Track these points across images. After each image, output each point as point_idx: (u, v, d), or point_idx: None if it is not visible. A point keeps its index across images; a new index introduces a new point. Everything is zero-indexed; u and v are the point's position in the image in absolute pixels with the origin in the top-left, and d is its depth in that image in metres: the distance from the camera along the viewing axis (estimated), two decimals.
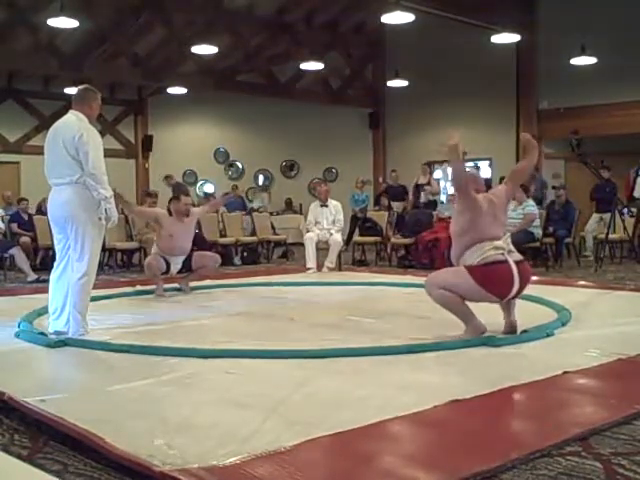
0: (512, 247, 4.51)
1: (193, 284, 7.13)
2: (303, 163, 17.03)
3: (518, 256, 4.51)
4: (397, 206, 12.45)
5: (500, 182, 14.14)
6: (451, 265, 9.54)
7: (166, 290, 6.79)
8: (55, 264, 4.82)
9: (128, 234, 10.53)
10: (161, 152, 15.75)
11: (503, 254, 4.37)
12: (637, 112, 12.24)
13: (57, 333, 4.64)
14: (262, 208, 14.56)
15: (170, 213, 6.84)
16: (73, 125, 4.64)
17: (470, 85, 14.04)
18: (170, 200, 7.08)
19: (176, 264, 6.84)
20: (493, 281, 4.32)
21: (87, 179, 4.55)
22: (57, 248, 4.81)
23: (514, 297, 4.50)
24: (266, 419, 2.84)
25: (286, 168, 17.18)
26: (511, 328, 4.56)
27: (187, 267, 6.97)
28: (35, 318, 5.21)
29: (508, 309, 4.61)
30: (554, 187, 11.49)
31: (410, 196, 12.59)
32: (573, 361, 3.77)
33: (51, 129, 4.81)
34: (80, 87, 4.90)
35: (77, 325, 4.66)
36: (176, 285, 7.04)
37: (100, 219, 4.64)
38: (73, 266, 4.65)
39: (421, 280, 7.72)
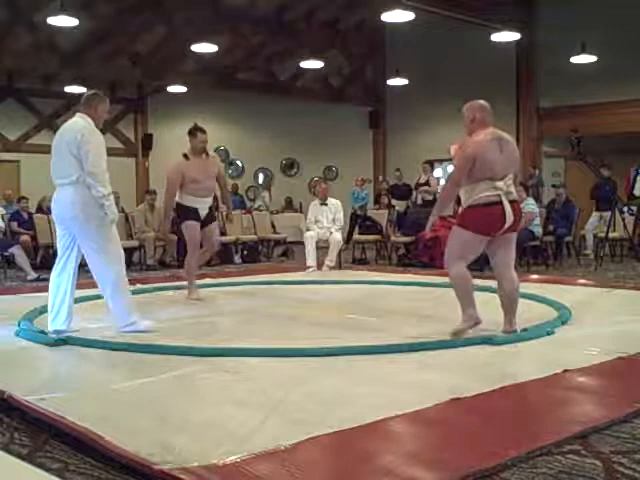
0: (512, 189, 4.55)
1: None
2: (303, 162, 17.03)
3: (513, 195, 4.56)
4: (400, 205, 12.46)
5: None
6: None
7: (166, 289, 6.74)
8: (56, 262, 4.84)
9: (128, 233, 10.54)
10: (161, 150, 15.71)
11: (499, 195, 4.43)
12: (637, 110, 12.23)
13: (56, 332, 4.64)
14: (262, 207, 14.56)
15: (186, 157, 6.45)
16: (77, 126, 4.73)
17: (470, 83, 14.00)
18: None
19: (203, 209, 6.44)
20: (483, 221, 4.44)
21: (87, 177, 4.60)
22: (59, 246, 4.85)
23: (508, 230, 4.53)
24: (266, 418, 2.84)
25: (286, 167, 17.18)
26: (511, 327, 4.56)
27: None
28: (35, 317, 5.21)
29: (510, 308, 4.61)
30: (554, 186, 11.49)
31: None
32: (573, 359, 3.77)
33: (59, 131, 4.91)
34: (88, 92, 4.98)
35: (124, 320, 4.72)
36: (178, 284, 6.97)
37: (106, 214, 4.64)
38: (101, 270, 4.71)
39: (421, 278, 7.78)
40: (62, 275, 4.76)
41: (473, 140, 4.58)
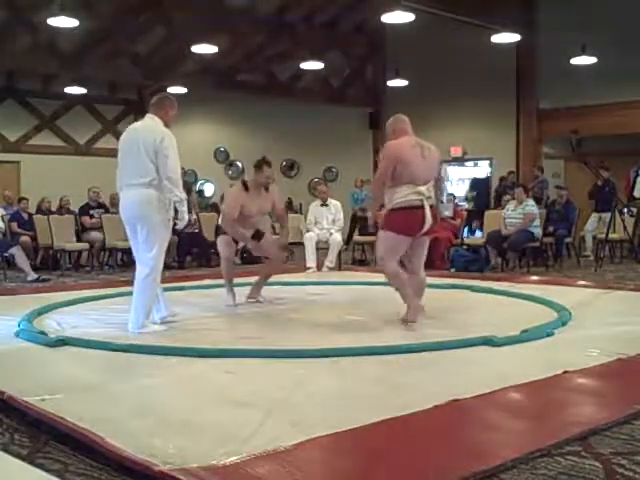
0: (431, 193, 4.94)
1: (190, 283, 7.08)
2: (303, 163, 17.02)
3: (433, 201, 4.98)
4: None
5: (500, 182, 14.20)
6: (451, 265, 9.58)
7: (166, 290, 6.70)
8: (136, 262, 5.03)
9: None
10: None
11: (421, 200, 4.80)
12: (637, 112, 12.24)
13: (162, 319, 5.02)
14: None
15: (246, 187, 6.06)
16: (153, 129, 4.83)
17: (470, 85, 14.04)
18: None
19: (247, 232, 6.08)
20: (404, 224, 4.81)
21: (164, 181, 4.71)
22: (131, 244, 5.03)
23: (423, 235, 4.98)
24: (266, 419, 2.84)
25: (286, 168, 17.17)
26: (413, 318, 5.03)
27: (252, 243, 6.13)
28: (35, 317, 5.22)
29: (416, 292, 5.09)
30: (557, 187, 11.48)
31: None
32: (573, 361, 3.77)
33: (127, 132, 4.99)
34: (158, 95, 5.12)
35: (138, 320, 4.82)
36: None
37: (169, 220, 4.85)
38: (140, 264, 4.89)
39: None
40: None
41: (393, 142, 4.89)
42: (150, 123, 4.91)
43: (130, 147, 4.84)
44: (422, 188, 4.80)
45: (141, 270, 4.87)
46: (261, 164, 6.07)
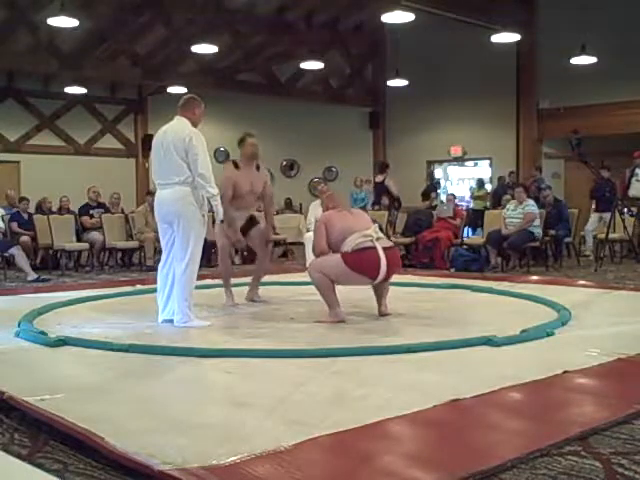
0: (381, 234, 5.23)
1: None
2: (303, 162, 17.02)
3: (387, 242, 5.26)
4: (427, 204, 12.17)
5: (499, 181, 14.17)
6: (451, 265, 9.61)
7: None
8: (162, 258, 5.26)
9: (128, 233, 10.55)
10: None
11: (371, 241, 5.02)
12: (637, 112, 12.24)
13: (166, 322, 5.09)
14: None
15: (236, 166, 6.08)
16: (182, 129, 5.04)
17: (470, 84, 14.05)
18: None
19: (240, 219, 6.08)
20: (362, 264, 5.00)
21: (197, 179, 4.95)
22: (162, 243, 5.26)
23: (385, 280, 5.19)
24: (266, 418, 2.84)
25: (286, 167, 17.17)
26: (381, 314, 5.30)
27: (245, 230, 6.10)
28: (35, 317, 5.22)
29: (380, 296, 5.31)
30: (539, 187, 11.47)
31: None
32: (573, 361, 3.77)
33: (159, 134, 5.19)
34: (185, 96, 5.31)
35: (182, 314, 5.02)
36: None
37: (204, 216, 5.09)
38: (177, 260, 5.06)
39: (421, 279, 7.79)
40: (169, 270, 5.14)
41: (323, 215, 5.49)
42: (178, 124, 5.09)
43: (161, 149, 5.06)
44: (368, 231, 5.08)
45: (177, 266, 5.05)
46: (243, 137, 6.25)
